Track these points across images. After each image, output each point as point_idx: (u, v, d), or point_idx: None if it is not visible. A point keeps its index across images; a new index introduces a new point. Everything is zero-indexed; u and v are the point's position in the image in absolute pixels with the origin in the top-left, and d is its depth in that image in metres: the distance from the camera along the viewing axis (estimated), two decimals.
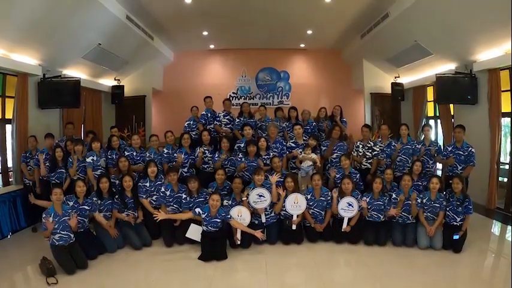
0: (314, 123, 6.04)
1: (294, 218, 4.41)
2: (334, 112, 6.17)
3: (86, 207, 4.07)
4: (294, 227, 4.41)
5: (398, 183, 4.58)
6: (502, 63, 5.40)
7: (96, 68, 7.37)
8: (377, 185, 4.38)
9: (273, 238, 4.42)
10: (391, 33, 7.00)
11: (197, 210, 4.09)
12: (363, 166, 5.31)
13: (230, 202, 4.42)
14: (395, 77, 8.50)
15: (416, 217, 4.35)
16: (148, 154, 5.28)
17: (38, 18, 4.90)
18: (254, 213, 4.43)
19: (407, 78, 8.35)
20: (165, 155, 5.26)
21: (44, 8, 4.81)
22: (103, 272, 3.70)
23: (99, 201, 4.24)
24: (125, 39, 7.13)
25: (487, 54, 5.67)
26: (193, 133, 5.88)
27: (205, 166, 5.32)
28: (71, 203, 3.95)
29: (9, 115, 5.50)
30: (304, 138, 5.47)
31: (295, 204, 4.38)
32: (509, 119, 5.86)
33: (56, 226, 3.60)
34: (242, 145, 5.26)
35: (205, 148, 5.32)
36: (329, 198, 4.51)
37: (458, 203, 4.16)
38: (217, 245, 4.01)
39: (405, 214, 4.35)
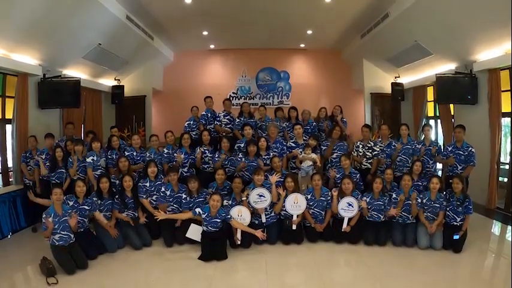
0: (314, 123, 6.04)
1: (294, 218, 4.41)
2: (334, 112, 6.18)
3: (86, 207, 4.07)
4: (294, 227, 4.41)
5: (398, 183, 4.58)
6: (502, 63, 5.40)
7: (96, 68, 7.37)
8: (377, 185, 4.38)
9: (273, 238, 4.41)
10: (391, 33, 7.00)
11: (197, 210, 4.09)
12: (363, 166, 5.31)
13: (230, 202, 4.42)
14: (395, 77, 8.50)
15: (416, 217, 4.35)
16: (148, 154, 5.28)
17: (38, 18, 4.90)
18: (254, 213, 4.43)
19: (407, 78, 8.35)
20: (165, 155, 5.26)
21: (44, 8, 4.81)
22: (103, 272, 3.70)
23: (99, 201, 4.24)
24: (125, 39, 7.13)
25: (487, 54, 5.67)
26: (194, 133, 5.88)
27: (205, 166, 5.32)
28: (71, 203, 3.96)
29: (9, 115, 5.51)
30: (304, 138, 5.48)
31: (295, 204, 4.38)
32: (509, 119, 5.86)
33: (56, 226, 3.60)
34: (242, 145, 5.27)
35: (205, 148, 5.32)
36: (329, 198, 4.51)
37: (458, 203, 4.16)
38: (217, 245, 4.01)
39: (405, 214, 4.35)
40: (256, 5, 6.58)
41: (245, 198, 4.37)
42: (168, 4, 6.45)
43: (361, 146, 5.36)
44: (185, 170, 5.23)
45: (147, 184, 4.59)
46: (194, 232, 4.22)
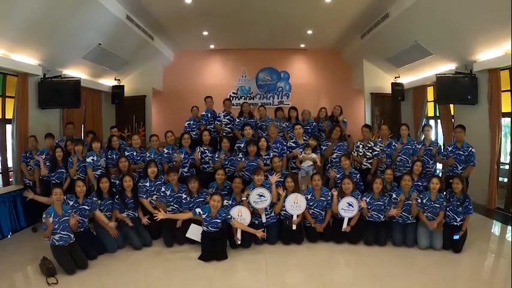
0: (314, 123, 6.05)
1: (294, 218, 4.41)
2: (335, 112, 6.18)
3: (86, 207, 4.07)
4: (294, 227, 4.41)
5: (398, 183, 4.58)
6: (502, 63, 5.40)
7: (96, 68, 7.37)
8: (377, 185, 4.38)
9: (273, 238, 4.41)
10: (391, 33, 7.00)
11: (197, 210, 4.09)
12: (363, 166, 5.31)
13: (230, 202, 4.42)
14: (395, 77, 8.50)
15: (416, 217, 4.35)
16: (148, 154, 5.28)
17: (38, 18, 4.90)
18: (254, 213, 4.43)
19: (407, 78, 8.35)
20: (165, 155, 5.26)
21: (44, 8, 4.81)
22: (103, 272, 3.70)
23: (99, 201, 4.24)
24: (125, 39, 7.13)
25: (487, 54, 5.67)
26: (194, 133, 5.88)
27: (206, 166, 5.32)
28: (71, 203, 3.96)
29: (9, 115, 5.51)
30: (304, 138, 5.48)
31: (295, 204, 4.38)
32: (509, 119, 5.86)
33: (56, 226, 3.60)
34: (242, 145, 5.27)
35: (205, 148, 5.32)
36: (329, 198, 4.51)
37: (458, 203, 4.16)
38: (217, 245, 4.01)
39: (405, 214, 4.35)
40: (256, 5, 6.58)
41: (245, 198, 4.37)
42: (168, 4, 6.45)
43: (361, 146, 5.36)
44: (185, 170, 5.23)
45: (147, 184, 4.59)
46: (194, 232, 4.22)
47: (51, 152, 5.04)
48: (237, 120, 6.02)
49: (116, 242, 4.21)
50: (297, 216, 4.42)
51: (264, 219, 4.45)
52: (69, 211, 3.78)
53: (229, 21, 7.50)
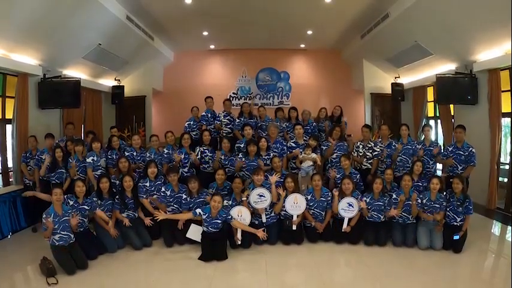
0: (314, 124, 6.05)
1: (294, 218, 4.40)
2: (335, 112, 6.18)
3: (86, 207, 4.07)
4: (294, 227, 4.41)
5: (398, 184, 4.58)
6: (502, 63, 5.40)
7: (96, 68, 7.37)
8: (377, 185, 4.38)
9: (273, 238, 4.41)
10: (391, 33, 7.00)
11: (198, 211, 4.09)
12: (363, 166, 5.31)
13: (230, 202, 4.41)
14: (395, 77, 8.50)
15: (416, 217, 4.35)
16: (148, 154, 5.28)
17: (38, 18, 4.90)
18: (254, 213, 4.43)
19: (407, 79, 8.35)
20: (166, 155, 5.26)
21: (44, 8, 4.81)
22: (103, 272, 3.70)
23: (99, 202, 4.24)
24: (125, 40, 7.14)
25: (487, 54, 5.67)
26: (194, 133, 5.89)
27: (206, 166, 5.33)
28: (71, 202, 3.96)
29: (9, 115, 5.51)
30: (304, 138, 5.48)
31: (295, 205, 4.38)
32: (509, 119, 5.86)
33: (56, 226, 3.60)
34: (242, 145, 5.27)
35: (205, 148, 5.32)
36: (329, 198, 4.51)
37: (458, 203, 4.16)
38: (217, 245, 4.01)
39: (405, 214, 4.34)
40: (256, 5, 6.59)
41: (245, 198, 4.37)
42: (168, 4, 6.45)
43: (361, 146, 5.36)
44: (185, 170, 5.23)
45: (147, 184, 4.59)
46: (194, 232, 4.22)
47: (51, 152, 5.04)
48: (237, 120, 6.02)
49: (116, 242, 4.21)
50: (297, 216, 4.42)
51: (264, 220, 4.45)
52: (69, 211, 3.78)
53: (229, 21, 7.50)
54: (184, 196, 4.48)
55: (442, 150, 5.27)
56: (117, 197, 4.38)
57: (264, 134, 5.66)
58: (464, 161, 4.89)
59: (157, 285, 3.47)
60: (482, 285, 3.42)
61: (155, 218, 4.13)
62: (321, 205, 4.50)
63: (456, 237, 4.07)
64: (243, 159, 5.02)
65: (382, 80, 8.85)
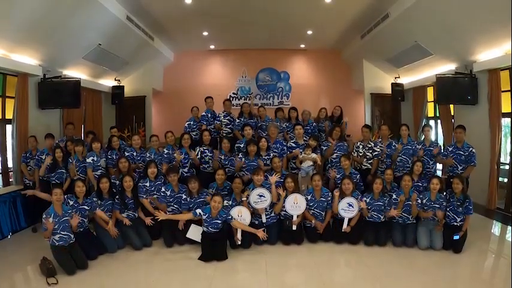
0: (314, 124, 6.05)
1: (294, 218, 4.40)
2: (335, 113, 6.18)
3: (86, 207, 4.07)
4: (294, 227, 4.41)
5: (398, 184, 4.58)
6: (502, 63, 5.40)
7: (97, 69, 7.37)
8: (377, 185, 4.38)
9: (273, 238, 4.41)
10: (391, 33, 7.00)
11: (198, 211, 4.08)
12: (363, 166, 5.31)
13: (230, 202, 4.41)
14: (395, 78, 8.51)
15: (416, 217, 4.35)
16: (148, 154, 5.28)
17: (38, 18, 4.90)
18: (254, 214, 4.43)
19: (407, 79, 8.35)
20: (165, 156, 5.26)
21: (44, 8, 4.82)
22: (103, 272, 3.70)
23: (99, 202, 4.24)
24: (125, 40, 7.14)
25: (487, 55, 5.67)
26: (194, 133, 5.89)
27: (206, 166, 5.33)
28: (71, 202, 3.96)
29: (9, 115, 5.51)
30: (304, 138, 5.47)
31: (295, 205, 4.38)
32: (509, 119, 5.86)
33: (56, 226, 3.60)
34: (242, 145, 5.27)
35: (205, 148, 5.32)
36: (329, 198, 4.51)
37: (458, 203, 4.16)
38: (217, 246, 4.01)
39: (405, 215, 4.34)
40: (256, 5, 6.59)
41: (245, 198, 4.37)
42: (168, 4, 6.45)
43: (361, 146, 5.36)
44: (185, 170, 5.23)
45: (147, 184, 4.59)
46: (194, 232, 4.22)
47: (51, 152, 5.04)
48: (237, 120, 6.03)
49: (116, 242, 4.21)
50: (297, 216, 4.41)
51: (264, 220, 4.45)
52: (69, 211, 3.78)
53: (229, 21, 7.50)
54: (184, 196, 4.48)
55: (442, 151, 5.27)
56: (117, 197, 4.38)
57: (264, 134, 5.66)
58: (465, 161, 4.88)
59: (158, 286, 3.46)
60: (482, 286, 3.42)
61: (156, 218, 4.13)
62: (321, 205, 4.50)
63: (456, 237, 4.07)
64: (243, 159, 5.01)
65: (382, 80, 8.85)
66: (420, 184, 4.64)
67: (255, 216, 4.44)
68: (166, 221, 4.17)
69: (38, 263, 3.68)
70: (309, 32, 8.30)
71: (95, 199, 4.22)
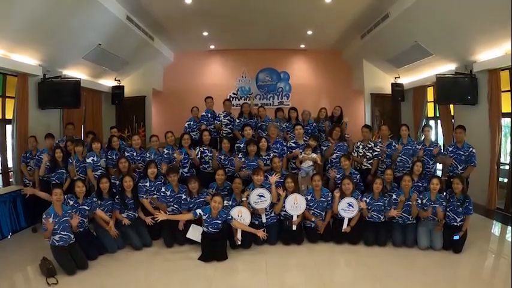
0: (314, 124, 6.05)
1: (294, 218, 4.40)
2: (334, 113, 6.18)
3: (86, 207, 4.07)
4: (294, 227, 4.40)
5: (398, 184, 4.57)
6: (502, 63, 5.40)
7: (97, 69, 7.37)
8: (377, 185, 4.38)
9: (273, 238, 4.41)
10: (391, 33, 7.01)
11: (198, 211, 4.08)
12: (363, 167, 5.31)
13: (230, 202, 4.41)
14: (395, 78, 8.51)
15: (416, 217, 4.35)
16: (148, 154, 5.28)
17: (38, 18, 4.90)
18: (254, 214, 4.43)
19: (407, 79, 8.35)
20: (165, 156, 5.25)
21: (44, 8, 4.82)
22: (103, 272, 3.70)
23: (99, 202, 4.24)
24: (125, 40, 7.14)
25: (487, 55, 5.67)
26: (194, 133, 5.88)
27: (206, 166, 5.33)
28: (71, 202, 3.96)
29: (9, 115, 5.51)
30: (304, 138, 5.47)
31: (295, 205, 4.38)
32: (509, 119, 5.86)
33: (56, 227, 3.60)
34: (242, 145, 5.27)
35: (205, 148, 5.32)
36: (329, 199, 4.51)
37: (458, 203, 4.16)
38: (217, 246, 4.01)
39: (405, 215, 4.34)
40: (256, 5, 6.59)
41: (245, 198, 4.37)
42: (168, 4, 6.45)
43: (361, 146, 5.36)
44: (185, 170, 5.23)
45: (147, 184, 4.59)
46: (194, 233, 4.22)
47: (51, 152, 5.04)
48: (237, 120, 6.03)
49: (116, 242, 4.21)
50: (297, 216, 4.41)
51: (264, 220, 4.45)
52: (69, 211, 3.78)
53: (229, 22, 7.50)
54: (184, 196, 4.48)
55: (442, 151, 5.27)
56: (117, 197, 4.38)
57: (264, 134, 5.66)
58: (465, 161, 4.88)
59: (158, 286, 3.46)
60: (482, 286, 3.42)
61: (155, 219, 4.13)
62: (321, 205, 4.50)
63: (456, 237, 4.07)
64: (243, 159, 5.01)
65: (382, 80, 8.85)
66: (420, 184, 4.64)
67: (255, 217, 4.44)
68: (166, 221, 4.16)
69: (38, 263, 3.67)
70: (309, 32, 8.30)
71: (95, 199, 4.22)
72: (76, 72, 6.82)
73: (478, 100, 6.05)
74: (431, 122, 7.87)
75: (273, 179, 4.42)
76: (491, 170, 5.71)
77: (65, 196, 3.90)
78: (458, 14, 5.32)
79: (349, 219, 4.39)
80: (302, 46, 9.68)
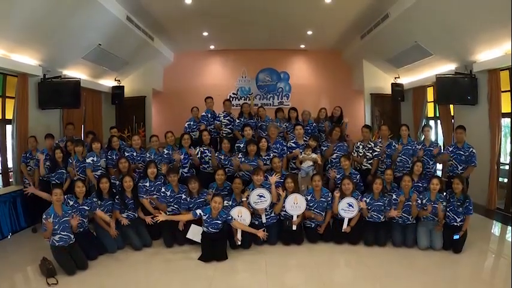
0: (314, 124, 6.04)
1: (294, 218, 4.40)
2: (334, 113, 6.18)
3: (86, 207, 4.07)
4: (294, 227, 4.40)
5: (398, 184, 4.57)
6: (502, 63, 5.40)
7: (96, 69, 7.37)
8: (377, 185, 4.38)
9: (273, 239, 4.41)
10: (391, 33, 7.01)
11: (198, 211, 4.08)
12: (363, 167, 5.31)
13: (230, 203, 4.41)
14: (395, 78, 8.51)
15: (416, 217, 4.35)
16: (148, 155, 5.28)
17: (38, 18, 4.90)
18: (254, 214, 4.43)
19: (407, 79, 8.35)
20: (165, 156, 5.25)
21: (44, 9, 4.82)
22: (103, 272, 3.70)
23: (99, 202, 4.23)
24: (125, 40, 7.14)
25: (487, 55, 5.67)
26: (194, 134, 5.88)
27: (206, 166, 5.33)
28: (71, 202, 3.96)
29: (9, 115, 5.51)
30: (304, 139, 5.47)
31: (295, 205, 4.38)
32: (509, 119, 5.86)
33: (56, 227, 3.60)
34: (242, 145, 5.27)
35: (204, 148, 5.32)
36: (329, 199, 4.51)
37: (458, 203, 4.16)
38: (217, 246, 4.01)
39: (405, 215, 4.34)
40: (256, 5, 6.59)
41: (245, 198, 4.37)
42: (168, 4, 6.46)
43: (361, 146, 5.36)
44: (185, 170, 5.23)
45: (147, 184, 4.59)
46: (194, 233, 4.22)
47: (51, 152, 5.04)
48: (237, 121, 6.03)
49: (115, 242, 4.20)
50: (297, 216, 4.41)
51: (264, 220, 4.45)
52: (69, 211, 3.78)
53: (229, 22, 7.50)
54: (184, 196, 4.48)
55: (442, 151, 5.27)
56: (117, 197, 4.38)
57: (264, 134, 5.66)
58: (465, 161, 4.88)
59: (157, 286, 3.46)
60: (482, 286, 3.42)
61: (156, 219, 4.13)
62: (321, 205, 4.50)
63: (456, 236, 4.06)
64: (243, 159, 5.01)
65: (382, 81, 8.85)
66: (420, 184, 4.63)
67: (255, 217, 4.44)
68: (166, 221, 4.16)
69: (38, 263, 3.67)
70: (309, 32, 8.31)
71: (94, 199, 4.21)
72: (76, 72, 6.82)
73: (478, 100, 6.05)
74: (431, 122, 7.87)
75: (273, 179, 4.42)
76: (491, 170, 5.71)
77: (65, 196, 3.90)
78: (458, 14, 5.32)
79: (349, 219, 4.39)
80: (302, 46, 9.68)
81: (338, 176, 4.86)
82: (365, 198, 4.40)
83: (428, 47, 6.64)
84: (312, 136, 5.31)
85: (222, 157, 5.24)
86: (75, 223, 3.76)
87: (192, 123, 6.08)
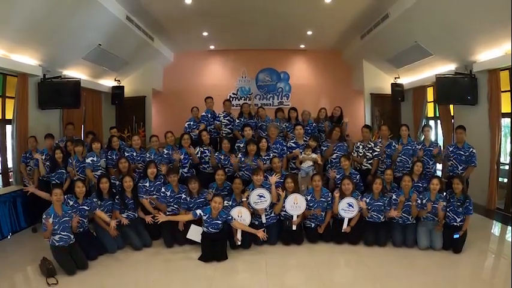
0: (314, 124, 6.04)
1: (294, 218, 4.40)
2: (334, 113, 6.18)
3: (86, 207, 4.07)
4: (294, 227, 4.40)
5: (398, 184, 4.57)
6: (502, 63, 5.40)
7: (96, 69, 7.37)
8: (377, 185, 4.38)
9: (273, 239, 4.41)
10: (391, 33, 7.01)
11: (198, 211, 4.08)
12: (363, 167, 5.31)
13: (230, 203, 4.41)
14: (395, 78, 8.51)
15: (416, 218, 4.35)
16: (148, 155, 5.28)
17: (38, 18, 4.90)
18: (254, 214, 4.43)
19: (407, 79, 8.35)
20: (165, 156, 5.25)
21: (44, 9, 4.82)
22: (103, 272, 3.70)
23: (99, 202, 4.23)
24: (125, 40, 7.14)
25: (487, 55, 5.67)
26: (194, 134, 5.88)
27: (206, 166, 5.33)
28: (71, 202, 3.96)
29: (9, 115, 5.51)
30: (304, 139, 5.47)
31: (295, 205, 4.38)
32: (509, 119, 5.86)
33: (56, 227, 3.60)
34: (242, 145, 5.27)
35: (204, 148, 5.32)
36: (329, 199, 4.51)
37: (458, 203, 4.16)
38: (217, 246, 4.01)
39: (405, 215, 4.34)
40: (256, 5, 6.59)
41: (245, 199, 4.37)
42: (168, 4, 6.46)
43: (361, 146, 5.36)
44: (185, 170, 5.23)
45: (147, 184, 4.59)
46: (194, 233, 4.22)
47: (51, 152, 5.04)
48: (237, 121, 6.03)
49: (115, 242, 4.20)
50: (297, 216, 4.41)
51: (264, 220, 4.45)
52: (69, 211, 3.78)
53: (229, 22, 7.50)
54: (183, 196, 4.48)
55: (442, 151, 5.27)
56: (117, 197, 4.37)
57: (264, 134, 5.66)
58: (465, 162, 4.88)
59: (157, 286, 3.46)
60: (482, 286, 3.42)
61: (156, 219, 4.13)
62: (321, 205, 4.50)
63: (456, 235, 4.06)
64: (243, 159, 5.01)
65: (382, 81, 8.85)
66: (420, 184, 4.63)
67: (255, 217, 4.44)
68: (166, 221, 4.15)
69: (38, 263, 3.67)
70: (309, 32, 8.31)
71: (94, 199, 4.21)
72: (76, 73, 6.82)
73: (477, 100, 6.06)
74: (431, 122, 7.87)
75: (273, 179, 4.42)
76: (491, 170, 5.71)
77: (65, 196, 3.90)
78: (458, 14, 5.32)
79: (349, 220, 4.39)
80: (302, 46, 9.68)
81: (338, 176, 4.86)
82: (365, 198, 4.40)
83: (428, 47, 6.64)
84: (312, 136, 5.31)
85: (222, 157, 5.24)
86: (75, 223, 3.76)
87: (192, 123, 6.08)
